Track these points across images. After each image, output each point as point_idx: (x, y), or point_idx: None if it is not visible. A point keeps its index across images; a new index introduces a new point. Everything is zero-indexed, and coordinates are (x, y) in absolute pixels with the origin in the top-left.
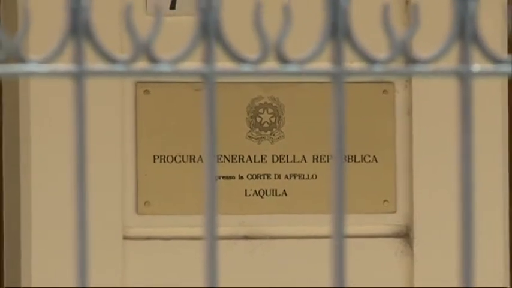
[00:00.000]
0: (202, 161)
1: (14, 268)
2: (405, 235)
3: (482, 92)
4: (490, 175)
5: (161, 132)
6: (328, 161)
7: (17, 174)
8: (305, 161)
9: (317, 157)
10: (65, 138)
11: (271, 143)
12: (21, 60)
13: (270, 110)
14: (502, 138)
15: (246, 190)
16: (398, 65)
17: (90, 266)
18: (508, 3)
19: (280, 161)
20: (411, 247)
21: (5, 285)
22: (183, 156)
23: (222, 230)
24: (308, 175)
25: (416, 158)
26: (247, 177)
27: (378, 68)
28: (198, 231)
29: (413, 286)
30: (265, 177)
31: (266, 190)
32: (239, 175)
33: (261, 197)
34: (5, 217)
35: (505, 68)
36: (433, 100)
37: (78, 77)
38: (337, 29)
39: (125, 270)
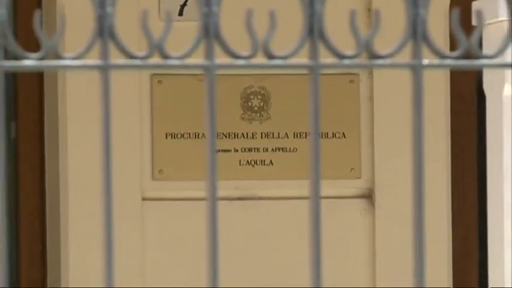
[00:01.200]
0: (204, 137)
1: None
2: (368, 196)
3: (430, 81)
4: (435, 146)
5: (172, 115)
6: (306, 137)
7: (56, 150)
8: (287, 137)
9: (297, 134)
10: (94, 120)
11: (260, 123)
12: (58, 56)
13: (259, 97)
14: (445, 117)
15: (240, 161)
16: (362, 59)
17: (115, 222)
18: (450, 9)
19: (268, 137)
20: (373, 206)
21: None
22: (189, 133)
23: (221, 193)
24: (290, 148)
25: (377, 134)
26: (241, 150)
27: (346, 62)
28: (202, 193)
29: (375, 237)
30: (255, 150)
31: (256, 161)
32: (234, 148)
33: (252, 166)
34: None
35: (449, 61)
36: (390, 88)
37: (104, 70)
38: (314, 31)
39: (143, 224)
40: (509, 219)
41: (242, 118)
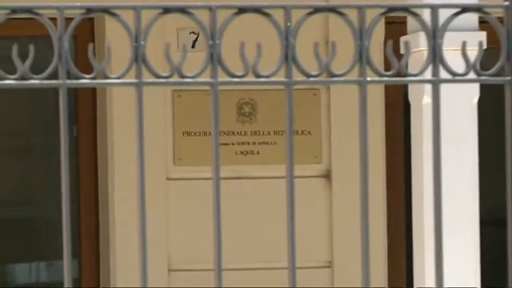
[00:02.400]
0: (210, 135)
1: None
2: (326, 176)
3: (370, 93)
4: (375, 141)
5: (187, 119)
6: (283, 134)
7: (105, 144)
8: (270, 134)
9: (277, 132)
10: (132, 123)
11: (250, 124)
12: (105, 76)
13: (249, 105)
14: (381, 120)
15: (235, 151)
16: (323, 77)
17: (147, 194)
18: (385, 41)
19: (255, 135)
20: (330, 183)
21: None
22: (200, 132)
23: (223, 174)
24: (271, 142)
25: (333, 132)
26: (236, 144)
27: (311, 79)
28: (209, 174)
29: (332, 205)
30: (247, 143)
31: (247, 151)
32: (231, 142)
33: (244, 155)
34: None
35: (385, 79)
36: (343, 98)
37: (138, 86)
38: (288, 57)
39: (167, 197)
40: (429, 198)
41: (237, 121)
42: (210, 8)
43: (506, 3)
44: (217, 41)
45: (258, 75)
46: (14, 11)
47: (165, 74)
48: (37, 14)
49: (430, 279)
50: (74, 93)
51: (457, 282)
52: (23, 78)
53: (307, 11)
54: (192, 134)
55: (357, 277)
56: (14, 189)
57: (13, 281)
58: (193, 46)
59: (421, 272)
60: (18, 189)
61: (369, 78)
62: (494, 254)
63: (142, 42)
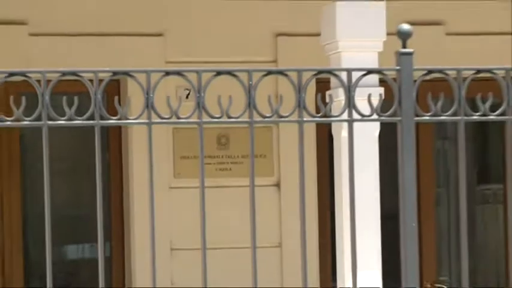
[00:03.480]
0: (198, 158)
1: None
2: (277, 185)
3: (305, 129)
4: (309, 162)
5: (183, 147)
6: (247, 157)
7: (127, 165)
8: (239, 157)
9: (243, 155)
10: (145, 150)
11: (225, 150)
12: (126, 118)
13: (225, 138)
14: (313, 148)
15: (215, 168)
16: (274, 118)
17: (156, 199)
18: (316, 94)
19: (229, 157)
20: (279, 190)
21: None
22: (192, 156)
23: (206, 184)
24: (239, 162)
25: (281, 155)
26: (216, 163)
27: (267, 119)
28: (198, 184)
29: (280, 204)
30: (223, 163)
31: (223, 168)
32: (213, 162)
33: (222, 171)
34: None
35: (317, 118)
36: (288, 132)
37: (149, 125)
38: (250, 104)
39: (171, 200)
40: (346, 201)
41: (217, 148)
42: (197, 72)
43: (398, 67)
44: (202, 94)
45: (230, 117)
46: (64, 74)
47: (167, 116)
48: (79, 76)
49: (347, 246)
50: (106, 130)
51: (362, 257)
52: (70, 119)
53: (263, 73)
54: (187, 157)
55: (298, 253)
56: (67, 196)
57: (66, 257)
58: (186, 97)
59: (341, 246)
60: (69, 195)
61: (305, 119)
62: (393, 240)
63: (151, 95)
